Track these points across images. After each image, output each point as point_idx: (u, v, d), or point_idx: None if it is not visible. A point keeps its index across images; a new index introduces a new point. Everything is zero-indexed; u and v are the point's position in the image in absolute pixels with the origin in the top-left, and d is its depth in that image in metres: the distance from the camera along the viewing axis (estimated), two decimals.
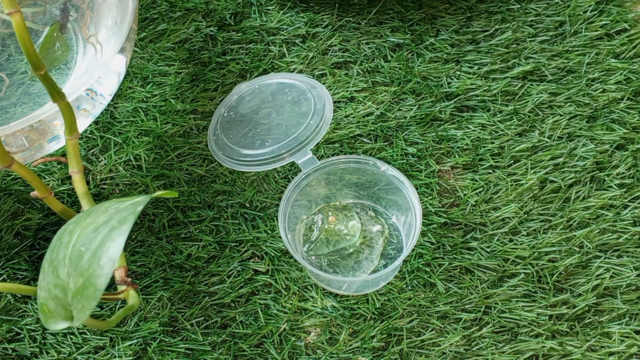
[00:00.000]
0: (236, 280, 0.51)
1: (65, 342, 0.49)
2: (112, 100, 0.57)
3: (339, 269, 0.50)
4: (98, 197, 0.54)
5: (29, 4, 0.59)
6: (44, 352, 0.48)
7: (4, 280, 0.51)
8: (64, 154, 0.54)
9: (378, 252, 0.51)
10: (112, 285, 0.47)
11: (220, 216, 0.53)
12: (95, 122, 0.57)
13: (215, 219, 0.53)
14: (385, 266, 0.50)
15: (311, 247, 0.51)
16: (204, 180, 0.55)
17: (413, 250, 0.51)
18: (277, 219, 0.53)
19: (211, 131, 0.53)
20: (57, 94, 0.44)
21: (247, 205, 0.54)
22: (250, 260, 0.52)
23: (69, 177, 0.49)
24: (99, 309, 0.50)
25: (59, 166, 0.55)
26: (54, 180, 0.55)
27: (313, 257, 0.50)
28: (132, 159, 0.55)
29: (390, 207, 0.52)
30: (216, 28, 0.62)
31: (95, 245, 0.35)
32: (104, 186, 0.55)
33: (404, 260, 0.50)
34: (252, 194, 0.54)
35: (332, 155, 0.55)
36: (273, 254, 0.52)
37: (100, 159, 0.56)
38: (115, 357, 0.48)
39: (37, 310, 0.49)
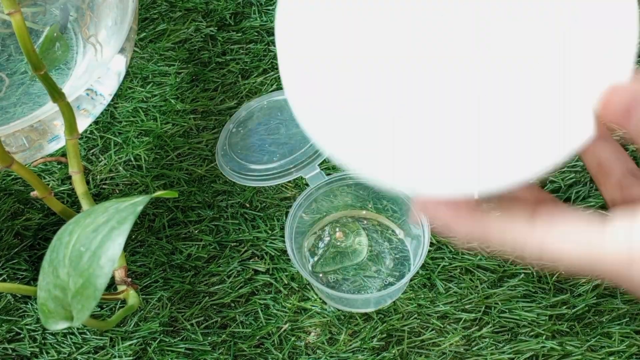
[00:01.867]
0: (236, 280, 0.51)
1: (65, 342, 0.49)
2: (112, 100, 0.57)
3: (346, 285, 0.50)
4: (98, 197, 0.54)
5: (29, 4, 0.59)
6: (44, 352, 0.48)
7: (4, 280, 0.51)
8: (64, 154, 0.54)
9: (385, 267, 0.50)
10: (112, 285, 0.47)
11: (220, 216, 0.53)
12: (95, 122, 0.57)
13: (215, 219, 0.53)
14: (391, 284, 0.50)
15: (318, 264, 0.51)
16: (204, 180, 0.55)
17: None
18: (277, 219, 0.53)
19: (219, 147, 0.53)
20: (57, 94, 0.44)
21: (247, 205, 0.54)
22: (250, 260, 0.52)
23: (69, 177, 0.49)
24: (99, 309, 0.50)
25: (59, 166, 0.55)
26: (54, 180, 0.55)
27: (320, 274, 0.50)
28: (132, 159, 0.55)
29: (397, 221, 0.52)
30: (216, 28, 0.62)
31: (95, 245, 0.35)
32: (104, 186, 0.55)
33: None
34: (252, 194, 0.54)
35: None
36: (273, 254, 0.51)
37: (100, 159, 0.56)
38: (115, 357, 0.48)
39: (37, 310, 0.49)
